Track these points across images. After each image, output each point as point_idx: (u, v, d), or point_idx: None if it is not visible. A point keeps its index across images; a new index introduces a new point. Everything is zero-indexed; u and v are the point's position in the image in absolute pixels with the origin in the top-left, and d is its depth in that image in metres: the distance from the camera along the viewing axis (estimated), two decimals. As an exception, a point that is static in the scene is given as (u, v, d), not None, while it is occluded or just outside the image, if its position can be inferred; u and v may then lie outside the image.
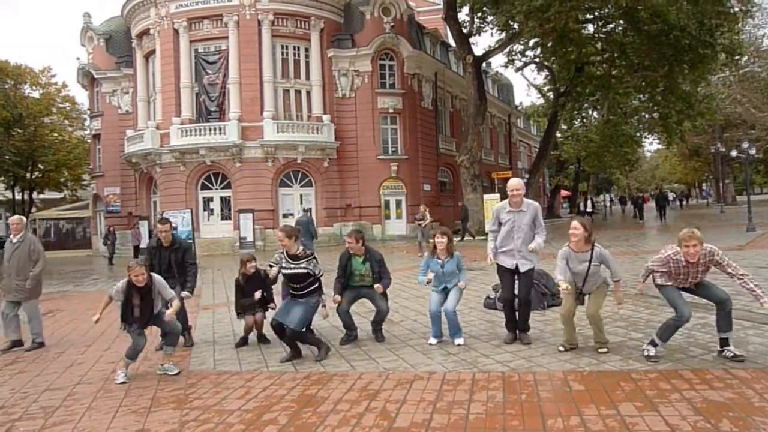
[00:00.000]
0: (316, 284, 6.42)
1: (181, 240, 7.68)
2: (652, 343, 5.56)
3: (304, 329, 6.26)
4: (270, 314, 6.90)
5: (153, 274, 6.10)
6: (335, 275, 7.01)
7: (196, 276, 7.38)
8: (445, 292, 6.57)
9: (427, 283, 6.58)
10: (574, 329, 6.03)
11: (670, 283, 5.54)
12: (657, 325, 6.76)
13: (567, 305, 5.93)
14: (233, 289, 7.46)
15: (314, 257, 6.41)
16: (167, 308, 6.05)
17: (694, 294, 5.62)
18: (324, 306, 6.57)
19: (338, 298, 6.75)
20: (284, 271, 6.32)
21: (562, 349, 5.94)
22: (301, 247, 6.41)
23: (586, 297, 6.02)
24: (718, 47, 24.45)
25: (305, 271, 6.25)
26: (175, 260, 7.20)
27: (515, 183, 6.37)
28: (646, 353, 5.51)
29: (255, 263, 7.33)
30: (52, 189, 40.84)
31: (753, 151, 25.92)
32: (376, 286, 6.75)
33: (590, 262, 5.75)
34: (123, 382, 5.78)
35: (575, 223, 5.81)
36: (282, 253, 6.40)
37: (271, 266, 6.48)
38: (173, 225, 8.05)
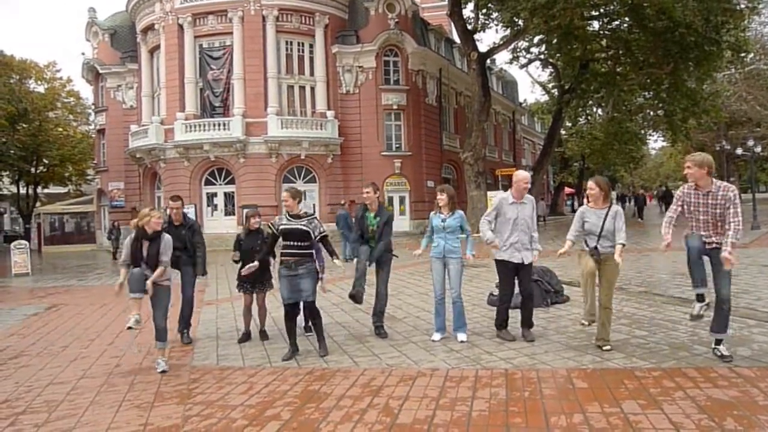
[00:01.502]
0: (312, 249, 6.31)
1: (192, 220, 7.72)
2: (718, 342, 5.39)
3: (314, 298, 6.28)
4: (268, 304, 6.90)
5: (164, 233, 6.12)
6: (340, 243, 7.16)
7: (205, 256, 7.47)
8: (445, 263, 6.58)
9: (419, 255, 6.81)
10: (595, 297, 5.97)
11: (692, 235, 5.47)
12: (660, 323, 6.78)
13: (588, 263, 5.92)
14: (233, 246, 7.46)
15: (315, 218, 6.39)
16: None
17: (711, 261, 5.43)
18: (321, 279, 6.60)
19: (362, 259, 6.92)
20: (282, 227, 6.26)
21: (585, 323, 5.97)
22: (304, 209, 6.41)
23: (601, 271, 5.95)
24: (724, 44, 24.31)
25: (303, 228, 6.19)
26: (188, 239, 7.27)
27: (527, 175, 6.51)
28: (719, 353, 5.30)
29: (259, 219, 7.39)
30: (57, 184, 40.98)
31: (758, 149, 25.85)
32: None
33: (606, 216, 5.86)
34: (164, 371, 5.88)
35: (591, 183, 6.11)
36: (284, 214, 6.42)
37: (271, 225, 6.46)
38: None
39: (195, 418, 4.53)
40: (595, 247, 5.86)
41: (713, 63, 25.86)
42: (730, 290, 5.35)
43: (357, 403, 4.64)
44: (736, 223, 5.18)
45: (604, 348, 5.74)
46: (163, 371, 5.90)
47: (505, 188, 36.17)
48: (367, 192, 6.99)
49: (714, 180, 5.36)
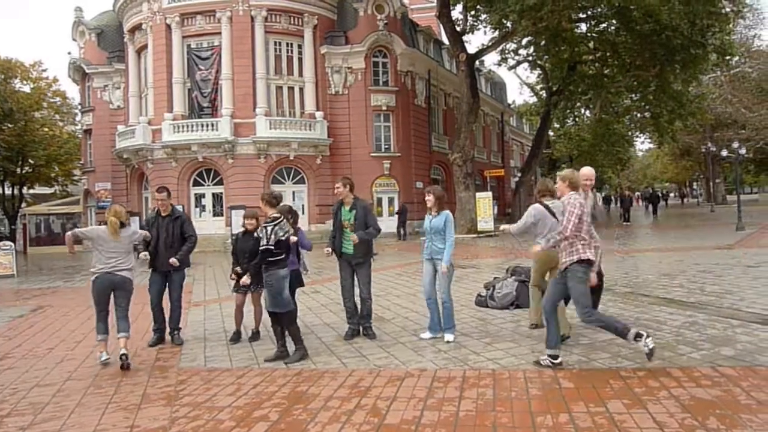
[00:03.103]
0: (277, 257, 6.11)
1: (180, 211, 7.57)
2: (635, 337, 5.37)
3: (286, 308, 6.12)
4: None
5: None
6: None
7: (192, 248, 7.34)
8: (434, 264, 6.61)
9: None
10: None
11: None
12: (646, 323, 6.85)
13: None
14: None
15: (266, 226, 6.09)
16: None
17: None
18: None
19: (329, 251, 7.00)
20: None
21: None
22: (273, 214, 6.26)
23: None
24: (710, 47, 24.62)
25: (258, 236, 6.19)
26: (174, 231, 7.17)
27: (586, 172, 6.28)
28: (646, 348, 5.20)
29: (252, 221, 7.28)
30: (43, 184, 40.56)
31: (743, 151, 26.12)
32: (351, 236, 6.75)
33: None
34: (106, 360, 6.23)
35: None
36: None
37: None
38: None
39: (182, 420, 4.52)
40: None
41: (699, 66, 26.18)
42: (582, 311, 5.34)
43: (345, 404, 4.65)
44: (562, 225, 5.25)
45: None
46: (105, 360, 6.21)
47: (494, 189, 35.93)
48: (337, 187, 6.98)
49: (570, 193, 5.37)
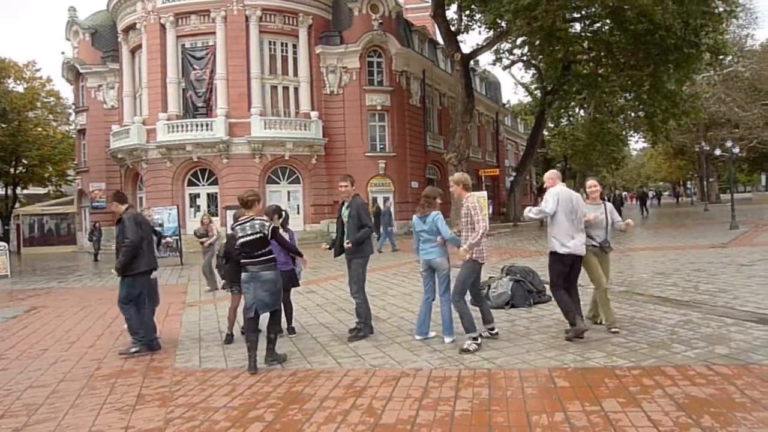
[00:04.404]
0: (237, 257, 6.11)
1: (126, 213, 6.87)
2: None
3: (245, 314, 5.96)
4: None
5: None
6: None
7: (127, 255, 6.59)
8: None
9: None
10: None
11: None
12: (640, 322, 6.87)
13: (603, 277, 6.53)
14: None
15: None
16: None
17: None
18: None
19: (324, 245, 7.27)
20: None
21: (616, 330, 6.36)
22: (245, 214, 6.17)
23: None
24: (703, 47, 24.70)
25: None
26: (119, 236, 6.74)
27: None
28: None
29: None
30: (37, 184, 40.42)
31: (736, 150, 26.19)
32: (345, 243, 6.80)
33: (606, 212, 6.69)
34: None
35: (593, 182, 6.85)
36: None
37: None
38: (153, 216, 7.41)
39: (177, 421, 4.51)
40: (606, 240, 6.63)
41: (692, 65, 26.27)
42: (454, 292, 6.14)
43: (340, 404, 4.64)
44: (475, 231, 5.98)
45: (613, 330, 6.33)
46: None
47: (489, 189, 36.03)
48: (344, 185, 6.95)
49: (471, 194, 6.25)
